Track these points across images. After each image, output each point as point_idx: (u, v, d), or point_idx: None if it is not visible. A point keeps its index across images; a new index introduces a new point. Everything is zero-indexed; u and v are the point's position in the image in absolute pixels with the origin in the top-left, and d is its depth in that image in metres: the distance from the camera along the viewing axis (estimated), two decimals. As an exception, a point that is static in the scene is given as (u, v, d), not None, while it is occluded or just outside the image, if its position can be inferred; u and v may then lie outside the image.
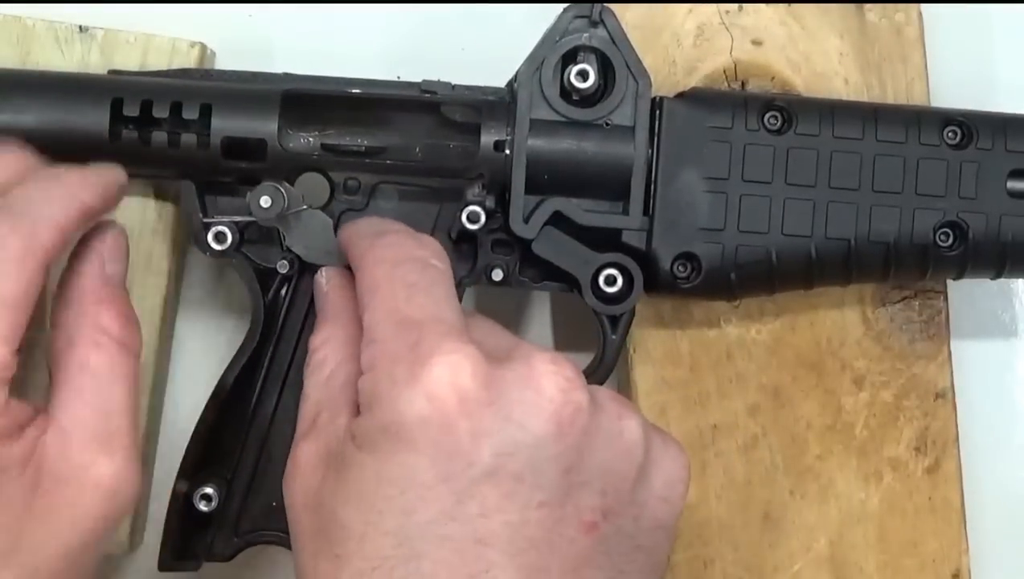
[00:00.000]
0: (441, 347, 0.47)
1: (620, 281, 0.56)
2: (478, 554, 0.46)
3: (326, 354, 0.53)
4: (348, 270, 0.54)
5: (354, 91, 0.56)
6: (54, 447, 0.49)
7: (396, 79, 0.58)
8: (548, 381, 0.47)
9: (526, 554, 0.46)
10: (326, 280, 0.56)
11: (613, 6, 0.55)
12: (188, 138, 0.55)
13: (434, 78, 0.57)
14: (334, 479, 0.48)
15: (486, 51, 0.63)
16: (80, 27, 0.61)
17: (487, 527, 0.46)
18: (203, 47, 0.62)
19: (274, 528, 0.58)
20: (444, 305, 0.50)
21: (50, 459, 0.48)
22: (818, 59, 0.63)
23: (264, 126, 0.55)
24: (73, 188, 0.50)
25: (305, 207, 0.56)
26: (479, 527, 0.46)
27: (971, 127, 0.57)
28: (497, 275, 0.57)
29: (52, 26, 0.62)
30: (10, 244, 0.47)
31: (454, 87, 0.57)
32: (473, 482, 0.46)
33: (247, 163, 0.55)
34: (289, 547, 0.57)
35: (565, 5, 0.55)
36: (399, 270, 0.50)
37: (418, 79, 0.57)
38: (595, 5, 0.55)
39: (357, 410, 0.49)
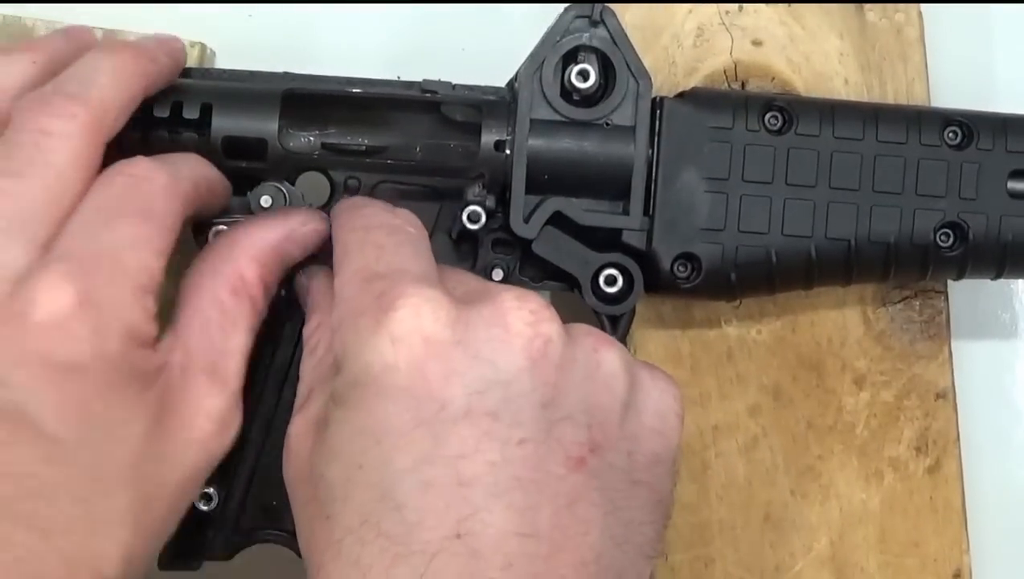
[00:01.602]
0: (404, 292, 0.47)
1: (620, 281, 0.56)
2: (463, 497, 0.45)
3: (318, 339, 0.53)
4: (328, 267, 0.54)
5: (354, 91, 0.56)
6: (178, 368, 0.49)
7: (396, 79, 0.58)
8: (514, 316, 0.47)
9: (512, 493, 0.45)
10: (308, 277, 0.56)
11: (613, 6, 0.55)
12: (188, 138, 0.55)
13: (434, 78, 0.57)
14: (319, 443, 0.48)
15: (486, 51, 0.63)
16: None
17: (469, 469, 0.45)
18: (203, 47, 0.62)
19: (274, 527, 0.58)
20: (412, 261, 0.50)
21: (174, 379, 0.49)
22: (818, 59, 0.63)
23: (264, 126, 0.55)
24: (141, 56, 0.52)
25: (307, 206, 0.56)
26: (460, 469, 0.45)
27: (971, 127, 0.56)
28: (497, 274, 0.57)
29: (52, 26, 0.62)
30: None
31: (454, 87, 0.57)
32: (448, 423, 0.46)
33: (247, 163, 0.55)
34: (289, 546, 0.58)
35: (566, 5, 0.55)
36: (370, 235, 0.51)
37: (418, 79, 0.57)
38: (596, 5, 0.55)
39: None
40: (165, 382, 0.48)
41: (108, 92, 0.50)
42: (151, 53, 0.53)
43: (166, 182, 0.50)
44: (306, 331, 0.54)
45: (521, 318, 0.47)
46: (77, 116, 0.48)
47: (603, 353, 0.49)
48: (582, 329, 0.49)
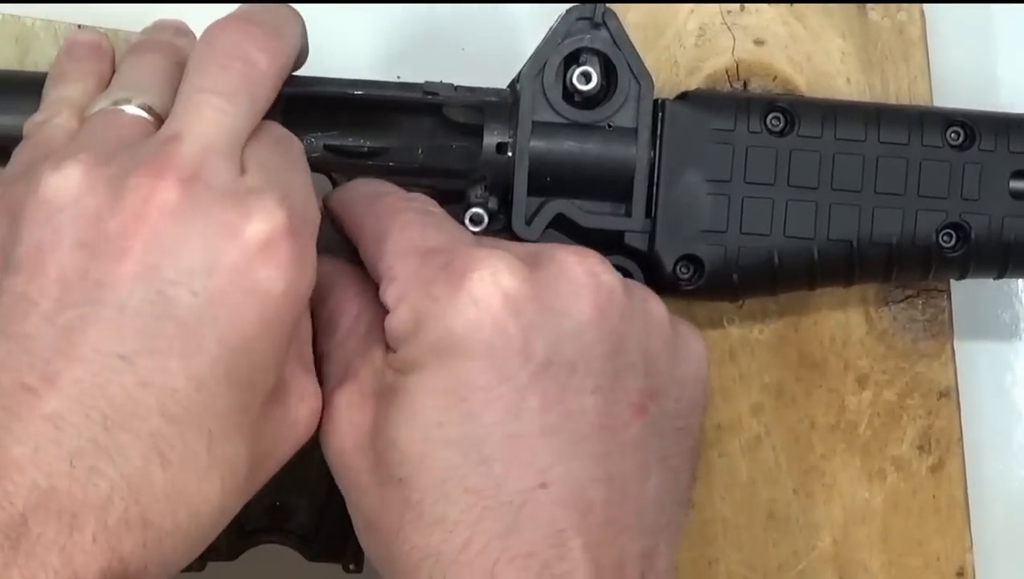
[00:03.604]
0: (474, 256, 0.48)
1: (622, 283, 0.56)
2: (547, 447, 0.46)
3: (337, 316, 0.53)
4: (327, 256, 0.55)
5: (356, 92, 0.56)
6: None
7: (396, 79, 0.58)
8: (578, 270, 0.48)
9: (589, 441, 0.47)
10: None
11: (614, 6, 0.55)
12: (191, 141, 0.55)
13: (435, 78, 0.57)
14: (383, 411, 0.48)
15: (487, 51, 0.64)
16: (79, 27, 0.61)
17: (550, 420, 0.47)
18: (204, 48, 0.62)
19: (278, 528, 0.58)
20: (458, 232, 0.51)
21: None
22: (820, 59, 0.63)
23: None
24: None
25: None
26: (543, 420, 0.47)
27: (973, 128, 0.56)
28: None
29: (52, 26, 0.62)
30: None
31: (456, 88, 0.57)
32: (532, 377, 0.47)
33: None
34: (294, 546, 0.58)
35: (567, 6, 0.55)
36: (403, 216, 0.51)
37: (419, 79, 0.57)
38: (597, 7, 0.55)
39: (386, 350, 0.50)
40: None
41: (295, 40, 0.51)
42: (306, 29, 0.54)
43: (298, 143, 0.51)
44: (323, 313, 0.53)
45: (584, 270, 0.49)
46: (278, 56, 0.49)
47: (651, 302, 0.51)
48: (628, 281, 0.51)
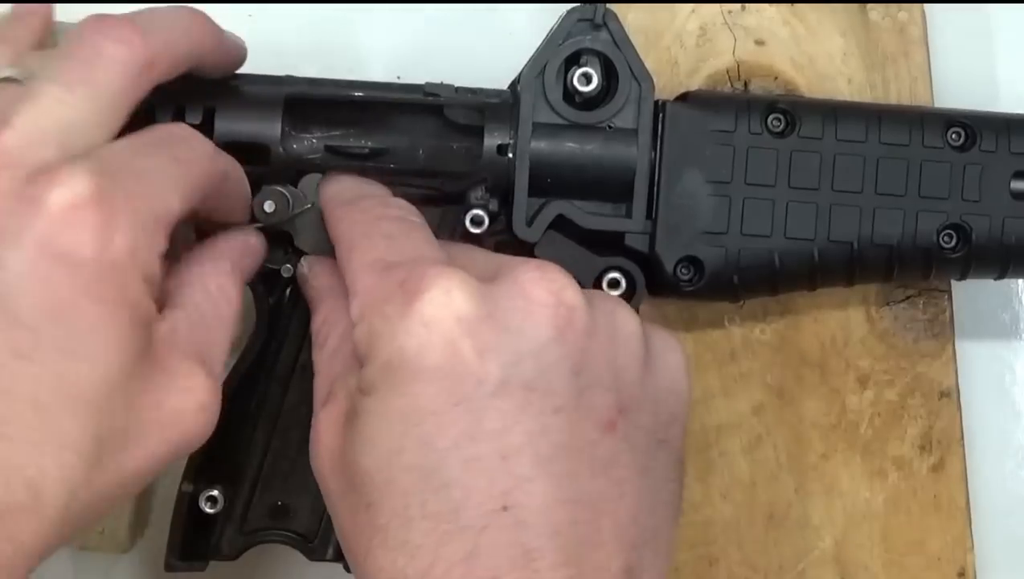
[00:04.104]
0: (428, 275, 0.47)
1: (623, 284, 0.56)
2: (506, 469, 0.46)
3: (327, 331, 0.53)
4: (326, 259, 0.55)
5: (357, 94, 0.56)
6: (167, 344, 0.48)
7: (396, 79, 0.58)
8: (536, 287, 0.48)
9: (553, 462, 0.46)
10: (308, 267, 0.56)
11: (615, 7, 0.55)
12: (192, 142, 0.55)
13: (435, 78, 0.57)
14: (350, 433, 0.48)
15: (487, 50, 0.64)
16: (79, 28, 0.61)
17: (509, 441, 0.46)
18: (204, 47, 0.62)
19: (280, 527, 0.58)
20: (424, 247, 0.51)
21: (161, 350, 0.48)
22: (821, 59, 0.63)
23: (268, 129, 0.55)
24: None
25: (309, 205, 0.56)
26: (502, 443, 0.46)
27: (974, 129, 0.56)
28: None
29: (51, 26, 0.62)
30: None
31: (457, 90, 0.57)
32: (486, 398, 0.46)
33: (251, 166, 0.55)
34: (295, 546, 0.58)
35: (567, 7, 0.55)
36: (376, 226, 0.51)
37: (419, 79, 0.57)
38: (598, 8, 0.55)
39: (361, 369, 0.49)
40: (154, 346, 0.47)
41: (167, 35, 0.50)
42: (219, 31, 0.54)
43: (207, 149, 0.51)
44: (314, 325, 0.54)
45: (544, 288, 0.48)
46: (135, 47, 0.48)
47: (619, 316, 0.50)
48: (597, 294, 0.51)
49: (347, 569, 0.58)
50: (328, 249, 0.56)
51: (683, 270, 0.56)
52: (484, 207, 0.55)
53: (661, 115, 0.56)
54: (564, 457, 0.47)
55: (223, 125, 0.55)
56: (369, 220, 0.52)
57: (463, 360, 0.46)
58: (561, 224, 0.56)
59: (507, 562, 0.45)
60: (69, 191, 0.44)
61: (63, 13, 0.62)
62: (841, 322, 0.64)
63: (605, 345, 0.49)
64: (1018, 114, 0.58)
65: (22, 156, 0.45)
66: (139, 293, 0.46)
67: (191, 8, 0.52)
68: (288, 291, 0.58)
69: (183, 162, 0.49)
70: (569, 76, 0.55)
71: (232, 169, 0.53)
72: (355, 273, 0.50)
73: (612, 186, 0.55)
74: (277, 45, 0.65)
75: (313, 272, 0.56)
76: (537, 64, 0.55)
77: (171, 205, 0.47)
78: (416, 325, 0.47)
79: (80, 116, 0.47)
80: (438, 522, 0.45)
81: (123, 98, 0.48)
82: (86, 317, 0.44)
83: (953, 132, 0.56)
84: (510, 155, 0.55)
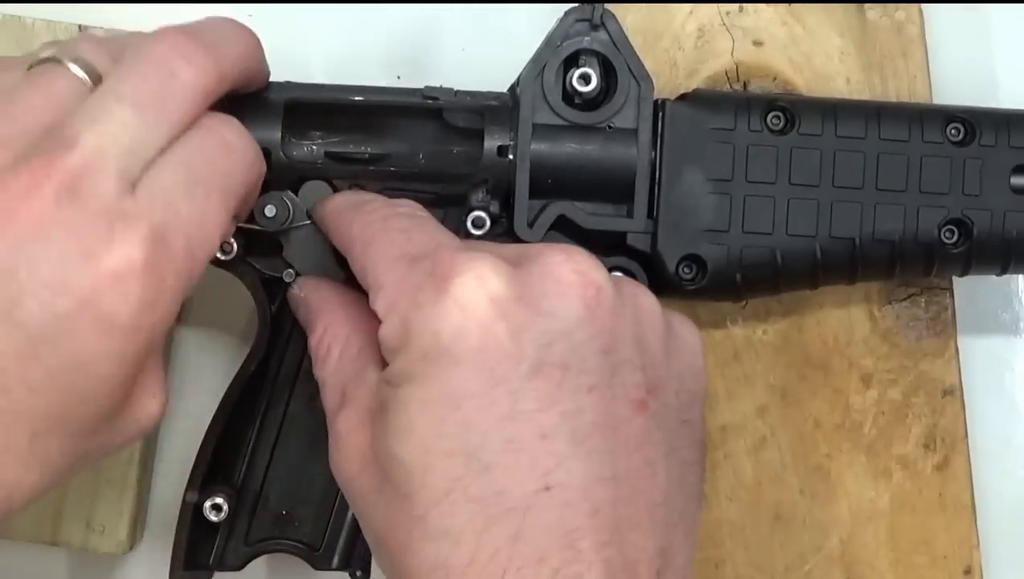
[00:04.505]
0: (458, 260, 0.47)
1: (625, 284, 0.56)
2: (547, 449, 0.46)
3: (328, 342, 0.53)
4: (312, 279, 0.55)
5: (356, 99, 0.56)
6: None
7: (396, 79, 0.58)
8: (564, 268, 0.48)
9: (590, 440, 0.46)
10: (300, 288, 0.56)
11: (613, 8, 0.55)
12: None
13: (435, 78, 0.57)
14: (381, 427, 0.48)
15: (486, 51, 0.64)
16: (80, 27, 0.62)
17: (547, 421, 0.46)
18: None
19: (285, 536, 0.58)
20: (442, 236, 0.51)
21: (148, 357, 0.48)
22: (819, 58, 0.64)
23: (267, 135, 0.55)
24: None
25: (308, 222, 0.56)
26: (540, 422, 0.46)
27: (973, 124, 0.56)
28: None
29: (52, 26, 0.62)
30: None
31: (456, 93, 0.57)
32: (523, 379, 0.46)
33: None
34: (300, 555, 0.58)
35: (566, 8, 0.55)
36: (389, 223, 0.51)
37: (419, 79, 0.57)
38: (596, 9, 0.55)
39: (382, 366, 0.49)
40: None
41: (233, 57, 0.50)
42: (256, 41, 0.53)
43: (252, 158, 0.50)
44: (313, 340, 0.54)
45: (571, 269, 0.48)
46: (208, 71, 0.48)
47: (642, 297, 0.50)
48: (618, 278, 0.51)
49: (353, 577, 0.58)
50: (318, 267, 0.56)
51: (685, 269, 0.56)
52: (485, 209, 0.55)
53: (661, 114, 0.56)
54: (599, 436, 0.47)
55: (223, 131, 0.55)
56: (380, 218, 0.52)
57: (499, 342, 0.46)
58: (562, 225, 0.56)
59: (552, 542, 0.45)
60: (123, 257, 0.44)
61: (64, 13, 0.62)
62: (844, 322, 0.64)
63: (632, 325, 0.49)
64: (1017, 109, 0.58)
65: (80, 182, 0.44)
66: (159, 344, 0.47)
67: (249, 28, 0.52)
68: (273, 307, 0.58)
69: (231, 195, 0.49)
70: (568, 77, 0.55)
71: (263, 173, 0.53)
72: (378, 268, 0.50)
73: (613, 186, 0.55)
74: (277, 45, 0.65)
75: (306, 289, 0.56)
76: (536, 65, 0.55)
77: (214, 248, 0.48)
78: (451, 309, 0.47)
79: (144, 140, 0.46)
80: (483, 506, 0.45)
81: (187, 120, 0.48)
82: (104, 373, 0.45)
83: (952, 127, 0.56)
84: (510, 157, 0.55)
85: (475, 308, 0.46)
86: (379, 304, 0.49)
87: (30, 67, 0.49)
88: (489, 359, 0.46)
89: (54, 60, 0.48)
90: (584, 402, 0.47)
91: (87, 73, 0.48)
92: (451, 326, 0.46)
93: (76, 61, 0.48)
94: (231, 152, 0.49)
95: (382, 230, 0.51)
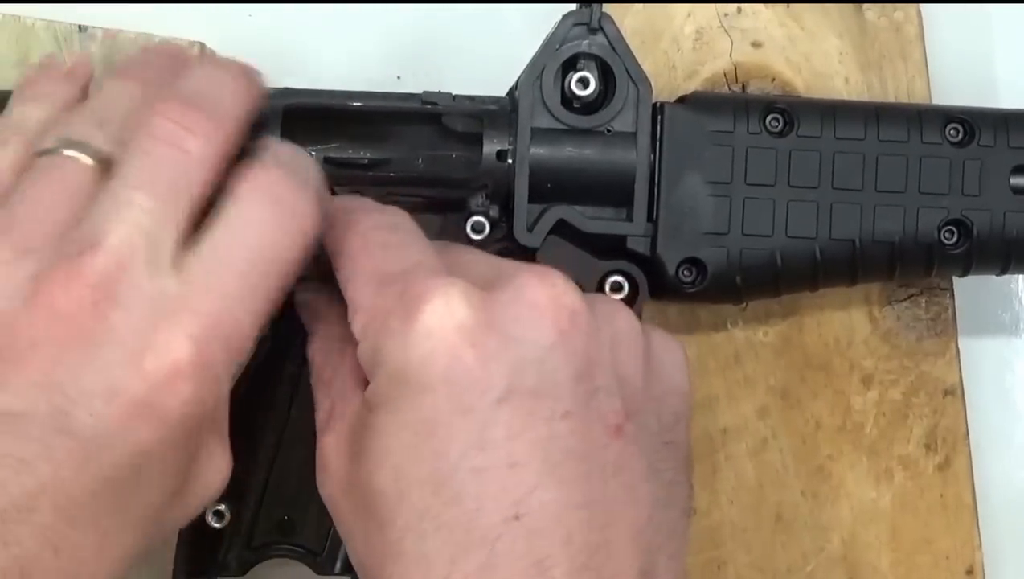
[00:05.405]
0: (428, 286, 0.47)
1: (626, 287, 0.56)
2: (517, 477, 0.45)
3: (324, 356, 0.53)
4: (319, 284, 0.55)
5: (355, 104, 0.56)
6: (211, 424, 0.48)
7: (396, 79, 0.58)
8: (537, 293, 0.47)
9: (563, 467, 0.46)
10: (307, 292, 0.56)
11: (611, 10, 0.55)
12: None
13: (434, 79, 0.57)
14: (359, 451, 0.48)
15: (485, 51, 0.64)
16: (80, 27, 0.62)
17: (518, 449, 0.46)
18: (203, 47, 0.62)
19: (287, 542, 0.58)
20: (420, 255, 0.50)
21: (206, 433, 0.48)
22: (818, 59, 0.63)
23: None
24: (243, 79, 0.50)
25: None
26: (509, 451, 0.45)
27: (973, 124, 0.56)
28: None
29: (51, 26, 0.62)
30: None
31: (455, 97, 0.57)
32: (492, 407, 0.46)
33: (249, 180, 0.55)
34: (303, 561, 0.58)
35: (565, 9, 0.55)
36: (371, 237, 0.51)
37: (419, 79, 0.57)
38: (594, 12, 0.55)
39: (366, 386, 0.49)
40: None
41: (235, 113, 0.48)
42: (252, 75, 0.51)
43: (311, 225, 0.48)
44: (309, 352, 0.54)
45: (544, 293, 0.47)
46: (215, 139, 0.47)
47: (620, 319, 0.50)
48: (596, 298, 0.50)
49: (355, 583, 0.58)
50: (322, 272, 0.56)
51: (685, 272, 0.56)
52: (485, 214, 0.55)
53: (660, 117, 0.56)
54: (574, 463, 0.46)
55: (222, 138, 0.55)
56: (362, 232, 0.51)
57: (468, 370, 0.46)
58: (562, 229, 0.56)
59: (522, 571, 0.45)
60: (168, 358, 0.44)
61: (64, 13, 0.62)
62: (844, 323, 0.64)
63: (608, 349, 0.49)
64: (1017, 109, 0.58)
65: (114, 284, 0.44)
66: (219, 415, 0.48)
67: (243, 66, 0.51)
68: (285, 310, 0.58)
69: (275, 273, 0.47)
70: (567, 80, 0.55)
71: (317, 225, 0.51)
72: (354, 288, 0.50)
73: (612, 190, 0.55)
74: (276, 45, 0.65)
75: (308, 296, 0.55)
76: (534, 69, 0.55)
77: (264, 324, 0.48)
78: (419, 337, 0.46)
79: (166, 222, 0.45)
80: (452, 534, 0.45)
81: (206, 189, 0.47)
82: (164, 458, 0.45)
83: (952, 128, 0.56)
84: (509, 161, 0.55)
85: (444, 335, 0.46)
86: (355, 325, 0.49)
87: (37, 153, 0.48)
88: (457, 387, 0.46)
89: (55, 152, 0.47)
90: (558, 429, 0.46)
91: (93, 158, 0.47)
92: (419, 353, 0.46)
93: (78, 148, 0.47)
94: (285, 217, 0.48)
95: (362, 246, 0.51)
